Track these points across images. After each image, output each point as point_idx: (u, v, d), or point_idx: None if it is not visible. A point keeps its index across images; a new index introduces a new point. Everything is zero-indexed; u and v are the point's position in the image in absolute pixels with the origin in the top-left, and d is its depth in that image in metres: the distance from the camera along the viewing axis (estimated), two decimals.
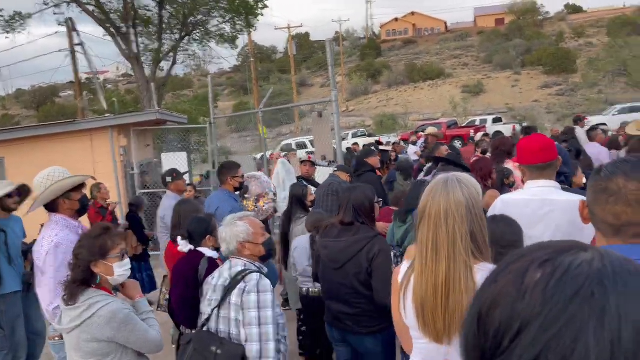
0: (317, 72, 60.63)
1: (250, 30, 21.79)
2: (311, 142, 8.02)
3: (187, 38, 19.66)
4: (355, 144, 16.25)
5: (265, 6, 20.44)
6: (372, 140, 21.21)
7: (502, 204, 2.60)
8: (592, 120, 23.97)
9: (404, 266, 1.87)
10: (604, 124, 21.64)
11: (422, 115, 39.90)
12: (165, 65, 19.76)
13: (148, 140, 10.36)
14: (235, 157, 12.79)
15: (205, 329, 2.64)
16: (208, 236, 3.27)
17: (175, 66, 19.78)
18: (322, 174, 6.44)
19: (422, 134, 11.41)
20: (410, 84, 50.45)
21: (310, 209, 4.68)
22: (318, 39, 70.29)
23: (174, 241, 3.76)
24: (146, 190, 9.16)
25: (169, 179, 5.38)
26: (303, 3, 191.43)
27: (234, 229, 2.67)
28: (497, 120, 29.98)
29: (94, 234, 2.47)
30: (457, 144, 26.45)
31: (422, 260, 1.71)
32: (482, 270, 1.66)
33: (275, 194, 5.25)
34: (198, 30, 19.71)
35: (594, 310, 0.53)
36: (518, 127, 28.45)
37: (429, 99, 45.08)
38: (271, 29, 51.08)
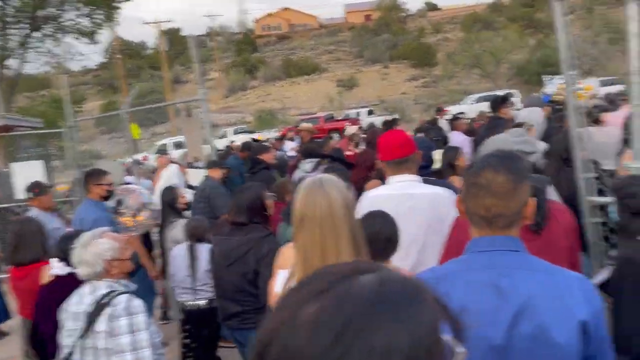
0: (190, 68, 58.60)
1: (112, 24, 20.29)
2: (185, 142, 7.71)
3: (38, 33, 17.71)
4: (233, 141, 15.96)
5: None
6: (252, 136, 21.03)
7: (368, 201, 2.61)
8: (453, 109, 26.25)
9: (281, 276, 1.79)
10: (463, 113, 23.72)
11: (300, 110, 40.52)
12: (14, 63, 17.64)
13: None
14: (101, 162, 11.88)
15: None
16: None
17: (28, 64, 17.76)
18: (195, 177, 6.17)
19: (296, 129, 11.54)
20: (287, 79, 50.97)
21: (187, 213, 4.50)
22: (190, 34, 67.92)
23: (17, 265, 3.32)
24: None
25: (29, 194, 4.74)
26: None
27: (96, 248, 2.40)
28: (370, 113, 31.46)
29: None
30: (335, 137, 27.35)
31: (308, 267, 1.63)
32: None
33: (147, 207, 4.89)
34: (50, 25, 17.84)
35: (363, 347, 0.52)
36: (389, 119, 30.11)
37: (306, 94, 45.93)
38: (139, 23, 48.25)
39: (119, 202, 4.50)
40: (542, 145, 3.77)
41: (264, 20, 74.54)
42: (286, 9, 75.42)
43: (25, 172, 7.81)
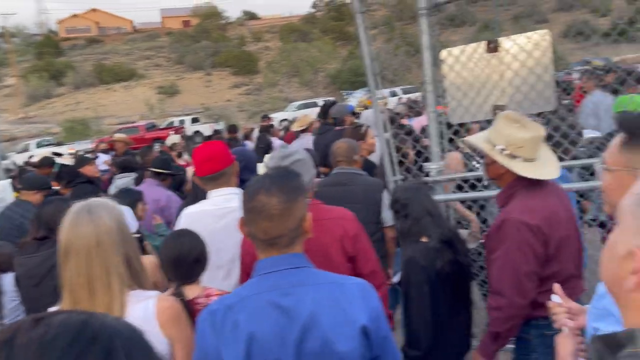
0: None
1: None
2: None
3: None
4: (31, 156, 14.08)
5: None
6: (56, 150, 18.76)
7: (185, 218, 2.44)
8: (277, 116, 27.05)
9: None
10: (286, 119, 24.60)
11: (118, 119, 37.64)
12: None
13: None
14: None
15: None
16: None
17: None
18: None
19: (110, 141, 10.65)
20: (101, 85, 46.97)
21: None
22: None
23: None
24: None
25: None
26: None
27: None
28: (195, 120, 30.67)
29: None
30: (157, 146, 26.01)
31: (76, 301, 1.54)
32: (138, 298, 1.59)
33: None
34: None
35: None
36: (216, 126, 29.78)
37: (123, 101, 42.87)
38: None
39: None
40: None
41: (68, 21, 67.62)
42: (94, 10, 69.54)
43: None
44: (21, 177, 4.55)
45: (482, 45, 2.87)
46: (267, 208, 1.40)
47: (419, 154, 3.63)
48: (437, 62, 2.96)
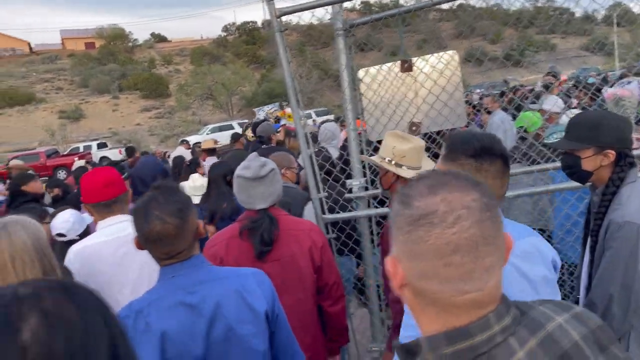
0: None
1: None
2: None
3: None
4: None
5: None
6: None
7: (76, 255, 2.23)
8: (192, 139, 26.40)
9: None
10: (199, 143, 24.02)
11: (13, 146, 34.75)
12: None
13: None
14: None
15: None
16: None
17: None
18: None
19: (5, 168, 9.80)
20: None
21: None
22: None
23: None
24: None
25: None
26: None
27: None
28: (102, 146, 29.12)
29: None
30: (62, 173, 24.29)
31: None
32: None
33: None
34: None
35: None
36: (124, 151, 28.44)
37: (20, 127, 39.74)
38: None
39: None
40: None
41: None
42: None
43: None
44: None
45: (397, 64, 2.98)
46: (164, 235, 1.50)
47: (342, 170, 3.69)
48: (354, 82, 3.03)
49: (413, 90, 2.95)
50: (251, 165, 2.17)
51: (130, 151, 10.82)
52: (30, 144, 34.73)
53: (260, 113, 7.75)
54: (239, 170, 2.20)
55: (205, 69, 41.13)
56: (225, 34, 68.81)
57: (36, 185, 4.76)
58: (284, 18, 2.75)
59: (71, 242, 2.50)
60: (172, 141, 32.69)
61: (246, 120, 32.00)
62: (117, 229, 2.25)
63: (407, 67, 2.91)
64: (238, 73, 41.01)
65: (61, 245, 2.58)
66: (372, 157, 2.36)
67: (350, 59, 3.01)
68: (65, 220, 2.70)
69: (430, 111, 2.93)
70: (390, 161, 2.21)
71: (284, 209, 2.32)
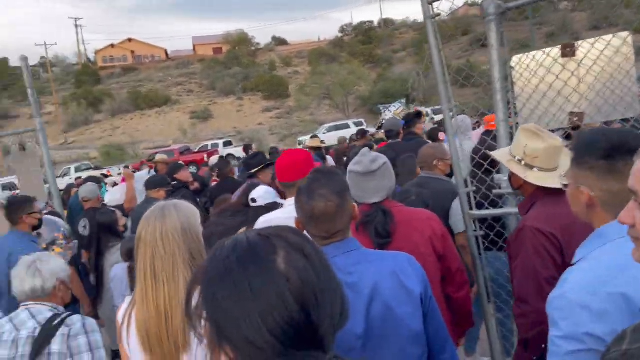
0: (22, 101, 52.51)
1: None
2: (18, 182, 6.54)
3: None
4: (79, 177, 14.44)
5: None
6: (97, 173, 19.23)
7: (262, 224, 2.47)
8: (308, 139, 27.18)
9: (125, 302, 1.83)
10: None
11: (153, 143, 38.48)
12: None
13: None
14: None
15: None
16: None
17: None
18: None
19: (149, 162, 10.86)
20: (137, 111, 48.29)
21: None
22: (18, 65, 61.06)
23: None
24: None
25: None
26: None
27: (52, 265, 2.38)
28: (227, 144, 31.11)
29: None
30: (192, 169, 26.42)
31: (142, 288, 1.71)
32: None
33: (67, 236, 4.46)
34: None
35: None
36: (244, 148, 30.17)
37: (158, 127, 43.89)
38: None
39: (38, 234, 4.13)
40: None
41: (106, 51, 70.13)
42: (130, 40, 72.01)
43: None
44: (146, 181, 5.11)
45: (555, 50, 2.73)
46: (325, 213, 1.60)
47: (479, 165, 3.50)
48: (505, 71, 2.84)
49: (575, 78, 2.68)
50: (363, 160, 2.21)
51: (247, 148, 11.55)
52: (166, 142, 38.19)
53: (387, 113, 7.68)
54: (351, 166, 2.24)
55: (324, 69, 42.02)
56: (341, 34, 69.88)
57: (185, 174, 5.25)
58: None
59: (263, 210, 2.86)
60: (291, 140, 33.92)
61: (362, 120, 32.19)
62: (293, 209, 2.42)
63: (569, 52, 2.65)
64: (354, 73, 41.32)
65: (255, 209, 2.98)
66: (499, 153, 2.29)
67: (501, 47, 2.81)
68: (259, 190, 3.13)
69: (595, 99, 2.64)
70: (520, 161, 2.13)
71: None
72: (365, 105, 41.78)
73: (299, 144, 12.96)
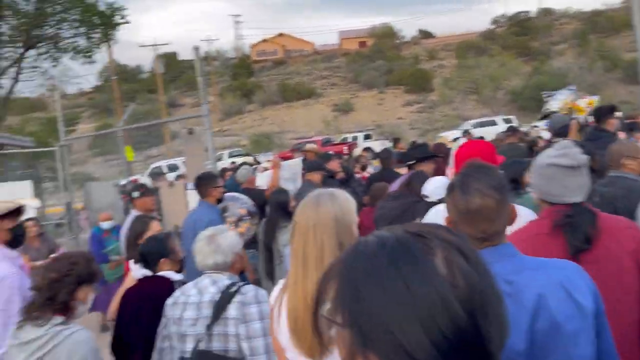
0: (187, 92, 58.58)
1: (109, 43, 20.00)
2: (184, 163, 7.31)
3: (33, 52, 17.36)
4: (233, 162, 15.60)
5: (126, 21, 18.90)
6: (248, 159, 20.61)
7: (432, 216, 2.47)
8: (450, 134, 26.19)
9: (278, 285, 1.85)
10: (458, 138, 23.64)
11: (297, 134, 40.30)
12: (6, 82, 17.25)
13: None
14: (94, 184, 11.41)
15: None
16: (163, 259, 2.88)
17: (23, 85, 17.44)
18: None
19: (300, 151, 11.22)
20: (284, 103, 50.94)
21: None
22: (186, 59, 68.26)
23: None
24: None
25: (135, 194, 4.77)
26: (168, 22, 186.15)
27: (229, 239, 2.55)
28: (367, 137, 31.30)
29: (85, 258, 2.38)
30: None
31: (294, 274, 1.71)
32: None
33: (253, 216, 4.85)
34: (45, 43, 17.51)
35: None
36: (387, 143, 30.08)
37: (302, 118, 45.82)
38: (136, 47, 48.35)
39: (225, 209, 4.51)
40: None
41: (259, 45, 75.00)
42: (281, 34, 76.07)
43: (12, 193, 7.34)
44: (306, 163, 5.52)
45: None
46: (484, 208, 1.45)
47: None
48: None
49: None
50: (568, 152, 1.93)
51: (396, 142, 11.45)
52: (309, 133, 39.69)
53: (552, 103, 6.85)
54: (549, 159, 1.96)
55: (473, 62, 40.09)
56: (493, 26, 66.03)
57: (334, 164, 5.28)
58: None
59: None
60: (432, 135, 33.01)
61: (511, 117, 30.04)
62: None
63: None
64: (505, 66, 38.75)
65: (425, 205, 2.92)
66: None
67: None
68: (433, 184, 3.06)
69: None
70: None
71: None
72: (515, 101, 39.01)
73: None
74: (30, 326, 2.18)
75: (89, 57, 18.01)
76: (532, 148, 6.58)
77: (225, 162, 23.93)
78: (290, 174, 6.28)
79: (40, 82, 19.24)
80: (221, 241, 2.52)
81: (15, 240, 2.98)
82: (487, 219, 1.46)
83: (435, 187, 2.93)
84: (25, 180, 8.31)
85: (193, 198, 5.94)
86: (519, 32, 56.52)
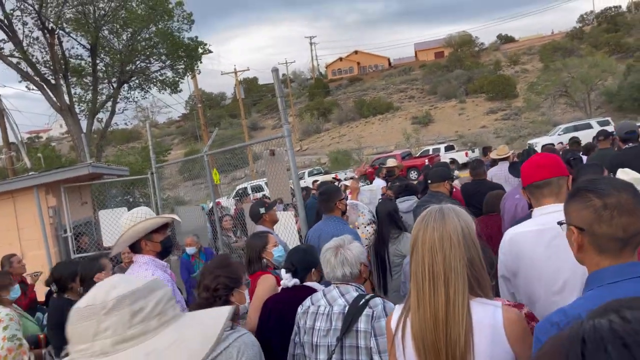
0: (267, 114, 60.51)
1: (194, 73, 21.10)
2: (267, 184, 7.40)
3: (125, 86, 18.74)
4: (316, 181, 15.68)
5: (209, 50, 19.85)
6: (328, 177, 20.65)
7: (509, 239, 2.22)
8: (540, 141, 24.66)
9: (397, 311, 1.78)
10: (552, 144, 22.20)
11: (375, 149, 40.02)
12: (104, 116, 18.71)
13: (85, 198, 9.31)
14: (184, 207, 11.91)
15: None
16: (313, 269, 3.02)
17: (119, 118, 18.86)
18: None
19: (381, 166, 11.04)
20: (361, 119, 50.97)
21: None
22: (265, 83, 70.65)
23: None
24: (81, 255, 8.08)
25: (262, 210, 4.74)
26: (248, 49, 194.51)
27: (355, 251, 2.58)
28: (449, 148, 30.39)
29: (224, 263, 2.50)
30: (413, 174, 26.49)
31: (419, 293, 1.65)
32: (481, 302, 1.62)
33: (373, 221, 4.89)
34: (136, 77, 18.84)
35: None
36: (470, 153, 28.92)
37: (380, 133, 45.51)
38: (218, 75, 50.77)
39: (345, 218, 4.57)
40: None
41: (335, 64, 76.04)
42: (356, 52, 76.59)
43: (111, 220, 7.76)
44: (430, 172, 5.23)
45: None
46: (623, 203, 1.37)
47: None
48: None
49: None
50: None
51: (486, 150, 11.11)
52: (388, 147, 39.26)
53: None
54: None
55: (560, 63, 37.76)
56: (581, 24, 62.16)
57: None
58: None
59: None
60: (519, 143, 31.39)
61: (608, 118, 27.78)
62: (553, 218, 1.99)
63: None
64: (597, 65, 36.07)
65: None
66: None
67: None
68: None
69: None
70: None
71: None
72: (611, 102, 36.18)
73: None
74: None
75: (175, 87, 19.11)
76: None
77: (307, 181, 24.18)
78: (369, 199, 6.13)
79: (133, 114, 20.67)
80: (347, 253, 2.54)
81: (165, 251, 3.18)
82: (628, 212, 1.36)
83: None
84: (121, 207, 8.79)
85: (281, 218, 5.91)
86: (610, 28, 52.72)
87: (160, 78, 18.94)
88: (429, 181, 4.69)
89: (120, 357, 0.95)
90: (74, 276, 3.74)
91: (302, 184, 24.03)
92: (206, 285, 2.39)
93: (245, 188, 24.35)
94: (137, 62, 18.51)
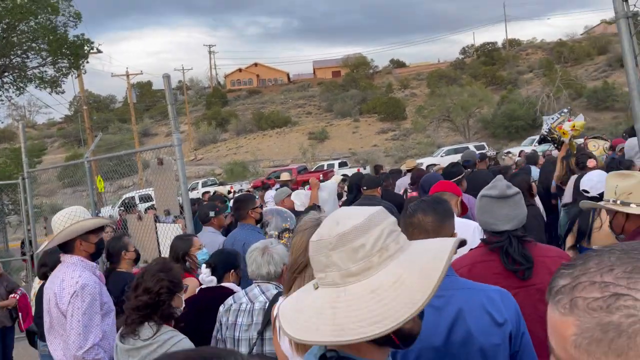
0: (161, 120, 58.01)
1: (79, 72, 19.65)
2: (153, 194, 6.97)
3: None
4: (206, 192, 15.31)
5: (97, 49, 18.66)
6: (223, 188, 20.28)
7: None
8: (425, 161, 26.46)
9: (281, 299, 2.14)
10: (436, 164, 23.89)
11: (272, 162, 40.14)
12: None
13: None
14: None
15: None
16: (232, 271, 3.19)
17: None
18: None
19: (275, 180, 11.11)
20: (259, 131, 50.89)
21: None
22: (160, 88, 67.89)
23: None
24: None
25: (212, 213, 5.00)
26: (144, 52, 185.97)
27: (280, 251, 2.70)
28: (343, 164, 31.41)
29: (167, 267, 2.55)
30: (306, 188, 27.03)
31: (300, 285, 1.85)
32: None
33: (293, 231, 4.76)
34: (11, 72, 17.08)
35: None
36: (362, 170, 30.19)
37: (277, 146, 45.77)
38: (108, 76, 47.83)
39: (266, 223, 4.58)
40: None
41: (234, 75, 75.29)
42: (256, 64, 76.58)
43: None
44: (363, 179, 5.51)
45: None
46: (423, 224, 1.78)
47: None
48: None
49: None
50: (497, 185, 2.24)
51: (378, 168, 11.57)
52: (285, 161, 39.59)
53: (544, 126, 6.84)
54: (484, 191, 2.26)
55: (445, 91, 40.94)
56: (463, 56, 67.90)
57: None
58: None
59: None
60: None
61: (483, 143, 30.62)
62: None
63: None
64: (475, 95, 39.69)
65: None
66: (599, 204, 2.38)
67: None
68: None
69: None
70: (615, 202, 2.25)
71: None
72: (487, 128, 39.84)
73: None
74: (140, 332, 2.43)
75: (55, 85, 17.62)
76: (504, 174, 6.62)
77: (200, 192, 23.53)
78: (328, 194, 6.42)
79: (7, 112, 18.73)
80: (273, 252, 2.68)
81: (97, 253, 3.27)
82: (425, 232, 1.75)
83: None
84: None
85: (163, 231, 5.67)
86: (487, 62, 58.19)
87: (39, 75, 17.33)
88: (364, 187, 5.04)
89: (349, 290, 1.03)
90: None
91: (195, 194, 23.35)
92: (148, 287, 2.43)
93: (133, 197, 23.10)
94: (13, 57, 16.80)
